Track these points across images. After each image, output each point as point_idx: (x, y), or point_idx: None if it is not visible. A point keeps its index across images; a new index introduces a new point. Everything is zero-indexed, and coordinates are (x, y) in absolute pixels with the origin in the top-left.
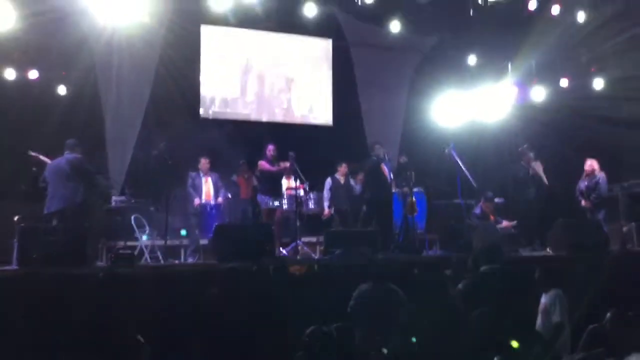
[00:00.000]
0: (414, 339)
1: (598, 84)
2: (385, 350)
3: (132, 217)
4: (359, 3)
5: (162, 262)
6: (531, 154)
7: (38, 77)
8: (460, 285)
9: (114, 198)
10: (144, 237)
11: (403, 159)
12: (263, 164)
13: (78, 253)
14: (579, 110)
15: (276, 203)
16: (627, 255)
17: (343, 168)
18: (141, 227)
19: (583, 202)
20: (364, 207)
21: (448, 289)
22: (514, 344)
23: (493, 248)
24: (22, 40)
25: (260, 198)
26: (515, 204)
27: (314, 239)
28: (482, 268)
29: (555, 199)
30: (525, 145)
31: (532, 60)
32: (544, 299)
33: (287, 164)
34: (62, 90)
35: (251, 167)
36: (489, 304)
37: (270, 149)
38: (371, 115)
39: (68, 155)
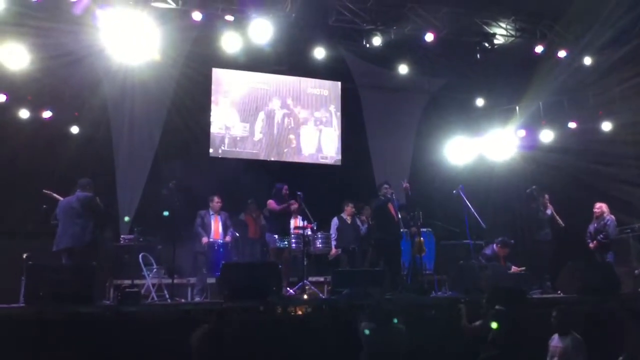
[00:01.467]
0: None
1: (606, 126)
2: None
3: (140, 256)
4: (367, 46)
5: (168, 300)
6: (546, 196)
7: (51, 117)
8: (477, 323)
9: (122, 236)
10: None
11: (406, 186)
12: (271, 203)
13: (85, 292)
14: (587, 152)
15: (284, 243)
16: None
17: (349, 208)
18: (148, 265)
19: (591, 245)
20: (371, 247)
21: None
22: None
23: (514, 289)
24: (36, 81)
25: (269, 237)
26: (526, 245)
27: (321, 279)
28: (498, 307)
29: (567, 241)
30: (533, 187)
31: (540, 103)
32: (560, 343)
33: (296, 204)
34: (74, 130)
35: (260, 206)
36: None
37: (285, 188)
38: (379, 156)
39: (79, 193)
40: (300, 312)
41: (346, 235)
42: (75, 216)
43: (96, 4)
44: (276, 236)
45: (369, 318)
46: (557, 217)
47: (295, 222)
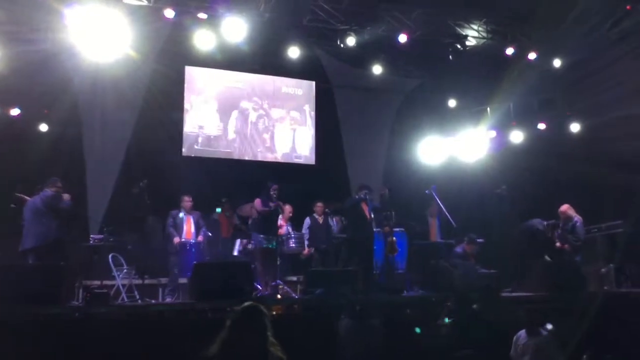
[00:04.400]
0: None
1: (574, 127)
2: None
3: (110, 256)
4: (342, 46)
5: (139, 301)
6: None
7: (20, 115)
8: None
9: (92, 236)
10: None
11: (384, 191)
12: (257, 202)
13: (53, 292)
14: (556, 153)
15: (272, 243)
16: (605, 297)
17: (319, 207)
18: (119, 265)
19: (558, 244)
20: (344, 246)
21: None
22: None
23: (487, 287)
24: (4, 78)
25: (255, 237)
26: (496, 245)
27: (294, 278)
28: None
29: (535, 241)
30: (503, 187)
31: (510, 104)
32: (530, 340)
33: (288, 207)
34: (43, 128)
35: (232, 205)
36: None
37: (273, 188)
38: (353, 155)
39: (43, 192)
40: (274, 313)
41: (318, 235)
42: (40, 215)
43: (63, 3)
44: (262, 236)
45: (347, 315)
46: None
47: (283, 223)
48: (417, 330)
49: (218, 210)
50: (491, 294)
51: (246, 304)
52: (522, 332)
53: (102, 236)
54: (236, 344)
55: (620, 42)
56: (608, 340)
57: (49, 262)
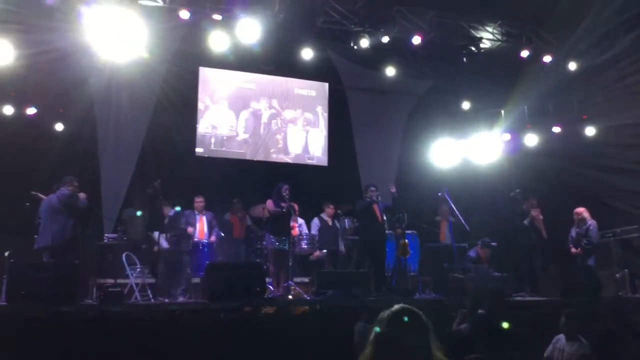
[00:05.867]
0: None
1: (590, 131)
2: None
3: (124, 255)
4: (355, 47)
5: (152, 300)
6: (534, 202)
7: (35, 114)
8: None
9: (106, 235)
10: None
11: (392, 188)
12: (269, 203)
13: (67, 291)
14: (571, 156)
15: (284, 244)
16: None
17: (330, 209)
18: (132, 264)
19: (572, 250)
20: (356, 248)
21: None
22: None
23: (494, 290)
24: (21, 77)
25: (267, 238)
26: (511, 249)
27: (306, 279)
28: (480, 312)
29: (549, 246)
30: (517, 191)
31: (525, 106)
32: (567, 348)
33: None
34: (59, 127)
35: (245, 206)
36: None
37: (285, 188)
38: (366, 157)
39: (59, 191)
40: (297, 313)
41: (327, 237)
42: (56, 214)
43: (81, 1)
44: (273, 237)
45: (365, 320)
46: (541, 227)
47: (294, 224)
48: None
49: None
50: (498, 298)
51: (399, 306)
52: (562, 337)
53: (116, 235)
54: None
55: (635, 47)
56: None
57: (64, 260)
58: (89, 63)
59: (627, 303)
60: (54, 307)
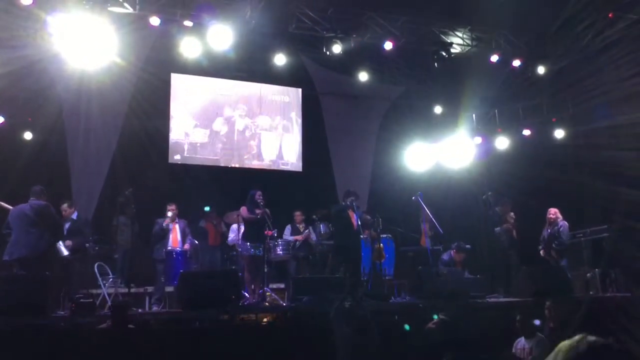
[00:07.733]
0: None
1: (559, 133)
2: None
3: (95, 265)
4: (328, 53)
5: None
6: (507, 205)
7: (3, 122)
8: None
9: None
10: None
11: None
12: (243, 210)
13: (38, 303)
14: (541, 158)
15: (259, 250)
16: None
17: (298, 215)
18: (104, 274)
19: (542, 252)
20: (331, 253)
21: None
22: None
23: (456, 292)
24: None
25: (242, 244)
26: (485, 251)
27: (281, 286)
28: (442, 317)
29: (520, 247)
30: (489, 193)
31: (495, 110)
32: (527, 344)
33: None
34: (27, 135)
35: (219, 213)
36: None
37: (258, 194)
38: (340, 162)
39: (33, 201)
40: (265, 320)
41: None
42: (30, 225)
43: (45, 11)
44: (248, 244)
45: (344, 325)
46: (513, 229)
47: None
48: (407, 327)
49: (207, 208)
50: (458, 300)
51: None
52: (521, 339)
53: (87, 245)
54: None
55: (604, 51)
56: None
57: (35, 272)
58: (57, 70)
59: (597, 303)
60: (24, 320)
